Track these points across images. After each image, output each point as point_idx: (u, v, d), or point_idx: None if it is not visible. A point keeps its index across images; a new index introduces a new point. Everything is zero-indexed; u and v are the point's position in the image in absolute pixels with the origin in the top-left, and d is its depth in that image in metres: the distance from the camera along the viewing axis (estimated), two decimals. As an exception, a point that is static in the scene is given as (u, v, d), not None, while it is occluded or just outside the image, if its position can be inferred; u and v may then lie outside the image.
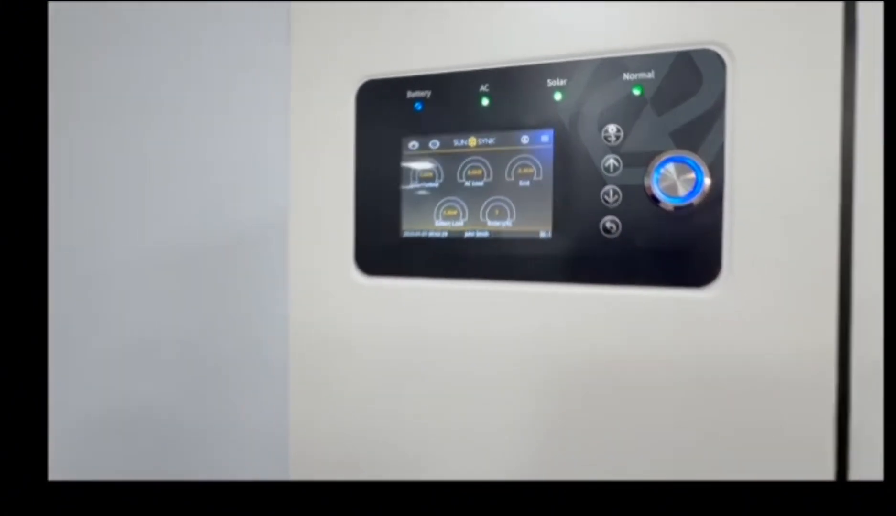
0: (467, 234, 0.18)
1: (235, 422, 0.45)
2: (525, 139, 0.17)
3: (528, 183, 0.17)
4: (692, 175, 0.16)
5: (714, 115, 0.16)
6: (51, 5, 0.50)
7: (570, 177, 0.17)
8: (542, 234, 0.17)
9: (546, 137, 0.17)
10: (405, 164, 0.19)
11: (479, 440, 0.18)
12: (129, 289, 0.48)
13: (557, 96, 0.17)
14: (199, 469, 0.49)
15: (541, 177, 0.17)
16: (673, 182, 0.16)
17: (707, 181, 0.16)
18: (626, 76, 0.16)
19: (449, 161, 0.18)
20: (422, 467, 0.20)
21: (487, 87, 0.18)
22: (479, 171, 0.18)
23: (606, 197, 0.17)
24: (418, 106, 0.18)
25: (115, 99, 0.48)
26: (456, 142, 0.18)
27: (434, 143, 0.18)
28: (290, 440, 0.22)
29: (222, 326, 0.45)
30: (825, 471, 0.17)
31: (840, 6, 0.15)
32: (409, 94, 0.18)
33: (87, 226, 0.49)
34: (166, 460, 0.48)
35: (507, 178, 0.17)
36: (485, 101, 0.18)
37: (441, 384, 0.18)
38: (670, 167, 0.16)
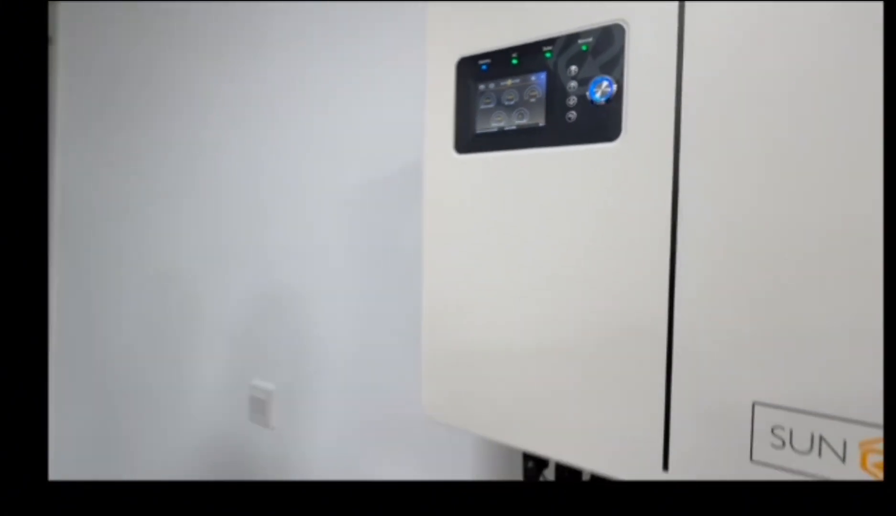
0: (506, 128, 0.37)
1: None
2: (532, 78, 0.35)
3: (533, 100, 0.35)
4: (609, 87, 0.32)
5: (620, 56, 0.32)
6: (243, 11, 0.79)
7: (553, 94, 0.34)
8: (540, 124, 0.35)
9: (543, 76, 0.35)
10: (477, 97, 0.38)
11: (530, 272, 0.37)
12: (328, 210, 0.75)
13: (548, 55, 0.34)
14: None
15: (541, 96, 0.35)
16: (601, 91, 0.32)
17: (615, 88, 0.32)
18: (579, 41, 0.33)
19: (498, 92, 0.37)
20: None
21: (516, 55, 0.36)
22: (512, 96, 0.36)
23: (569, 102, 0.34)
24: (484, 67, 0.37)
25: (299, 91, 0.75)
26: (500, 83, 0.37)
27: (491, 85, 0.37)
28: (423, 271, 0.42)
29: (382, 222, 0.69)
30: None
31: (676, 6, 0.29)
32: (479, 62, 0.38)
33: (295, 173, 0.78)
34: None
35: (524, 99, 0.36)
36: (514, 61, 0.36)
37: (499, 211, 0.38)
38: (601, 84, 0.33)
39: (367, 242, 0.71)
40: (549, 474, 0.48)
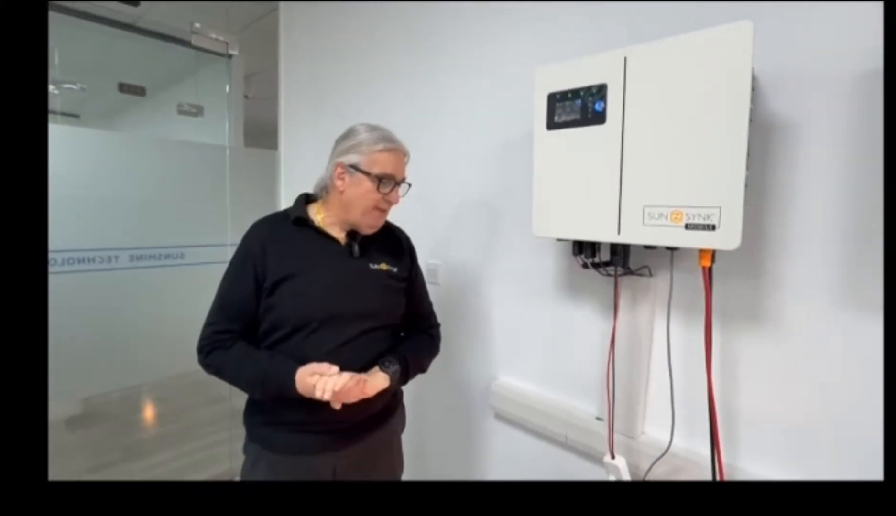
0: (566, 120, 0.98)
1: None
2: (575, 101, 0.95)
3: (575, 109, 0.96)
4: (602, 105, 0.91)
5: (605, 93, 0.91)
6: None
7: (583, 107, 0.95)
8: (578, 118, 0.96)
9: (578, 101, 0.95)
10: (555, 107, 0.99)
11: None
12: (467, 159, 1.40)
13: (581, 93, 0.94)
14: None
15: (578, 108, 0.95)
16: (600, 106, 0.92)
17: (603, 105, 0.91)
18: (591, 87, 0.92)
19: (563, 106, 0.98)
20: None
21: (569, 93, 0.96)
22: (568, 108, 0.97)
23: (588, 110, 0.94)
24: (557, 96, 0.98)
25: (450, 85, 1.39)
26: (564, 103, 0.97)
27: (560, 103, 0.98)
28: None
29: (502, 168, 1.33)
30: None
31: (622, 57, 0.88)
32: (556, 93, 0.99)
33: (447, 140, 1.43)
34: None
35: (572, 109, 0.96)
36: (569, 95, 0.97)
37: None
38: (599, 104, 0.92)
39: (497, 175, 1.35)
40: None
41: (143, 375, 2.16)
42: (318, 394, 0.84)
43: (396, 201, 1.01)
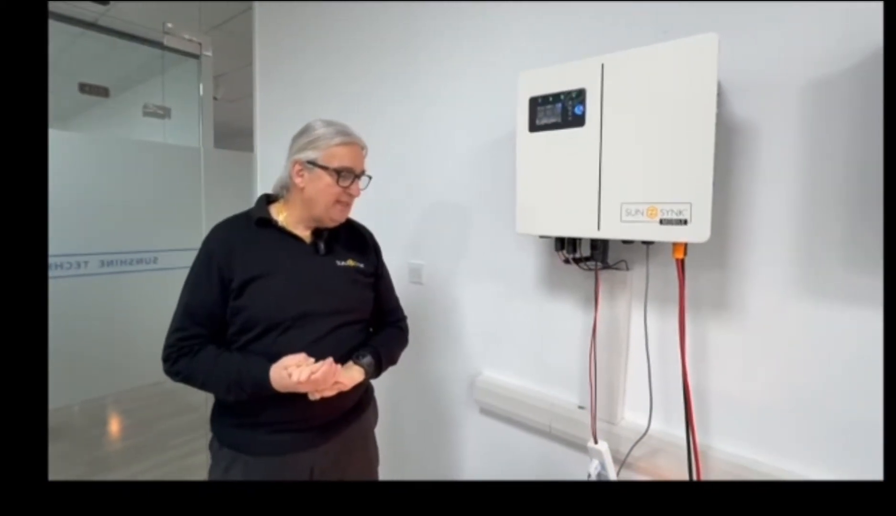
0: (547, 122, 1.03)
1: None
2: (556, 105, 1.01)
3: (556, 112, 1.01)
4: (582, 108, 0.97)
5: (584, 97, 0.96)
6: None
7: (563, 110, 1.00)
8: (559, 121, 1.01)
9: (559, 104, 1.00)
10: (537, 110, 1.04)
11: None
12: (451, 160, 1.44)
13: (561, 97, 1.00)
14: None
15: (559, 111, 1.00)
16: (579, 109, 0.97)
17: (583, 109, 0.97)
18: (571, 92, 0.98)
19: (544, 109, 1.03)
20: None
21: (550, 97, 1.01)
22: (549, 111, 1.02)
23: (569, 113, 0.99)
24: (539, 100, 1.03)
25: (440, 87, 1.43)
26: (545, 106, 1.02)
27: (542, 106, 1.03)
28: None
29: (487, 166, 1.37)
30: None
31: (600, 64, 0.94)
32: (538, 98, 1.03)
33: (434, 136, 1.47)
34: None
35: (553, 112, 1.01)
36: (550, 99, 1.02)
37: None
38: (578, 107, 0.97)
39: (480, 176, 1.40)
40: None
41: (113, 385, 2.08)
42: (294, 378, 0.85)
43: (357, 194, 1.03)
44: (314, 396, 0.89)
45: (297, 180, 0.98)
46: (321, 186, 0.97)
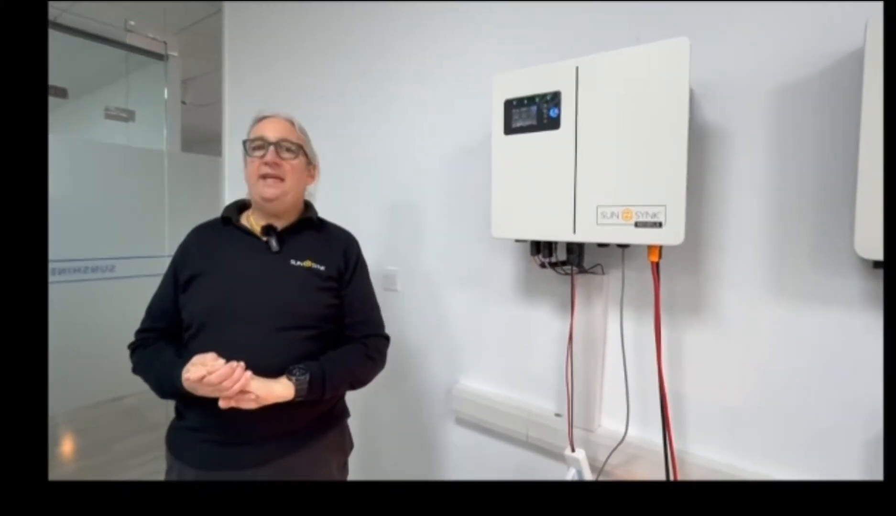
0: (522, 125, 1.01)
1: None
2: (531, 107, 1.00)
3: (532, 115, 1.00)
4: (556, 111, 0.96)
5: (559, 100, 0.95)
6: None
7: (538, 113, 0.99)
8: (534, 124, 1.00)
9: (534, 107, 0.99)
10: (512, 113, 1.03)
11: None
12: (425, 163, 1.42)
13: (536, 99, 0.99)
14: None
15: (534, 114, 0.99)
16: (554, 112, 0.96)
17: (558, 111, 0.96)
18: (546, 94, 0.97)
19: (519, 112, 1.02)
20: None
21: (525, 99, 1.00)
22: (524, 113, 1.01)
23: (544, 116, 0.98)
24: (514, 103, 1.02)
25: (415, 91, 1.41)
26: (520, 109, 1.01)
27: (517, 109, 1.02)
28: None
29: (462, 168, 1.35)
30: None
31: (574, 67, 0.93)
32: (512, 100, 1.02)
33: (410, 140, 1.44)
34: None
35: (528, 115, 1.00)
36: (525, 101, 1.01)
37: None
38: (553, 110, 0.96)
39: (455, 179, 1.38)
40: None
41: (65, 402, 1.95)
42: (185, 375, 0.80)
43: (273, 161, 0.95)
44: (221, 403, 0.80)
45: (244, 174, 1.01)
46: (249, 168, 0.98)
